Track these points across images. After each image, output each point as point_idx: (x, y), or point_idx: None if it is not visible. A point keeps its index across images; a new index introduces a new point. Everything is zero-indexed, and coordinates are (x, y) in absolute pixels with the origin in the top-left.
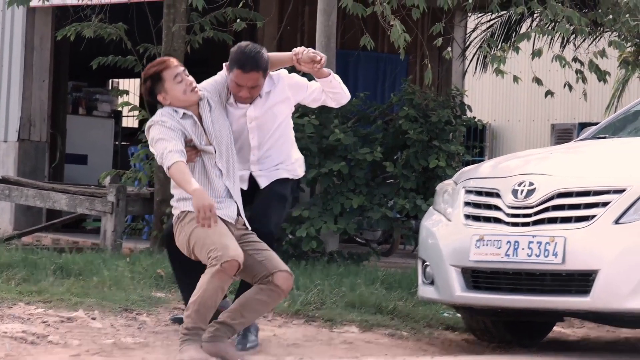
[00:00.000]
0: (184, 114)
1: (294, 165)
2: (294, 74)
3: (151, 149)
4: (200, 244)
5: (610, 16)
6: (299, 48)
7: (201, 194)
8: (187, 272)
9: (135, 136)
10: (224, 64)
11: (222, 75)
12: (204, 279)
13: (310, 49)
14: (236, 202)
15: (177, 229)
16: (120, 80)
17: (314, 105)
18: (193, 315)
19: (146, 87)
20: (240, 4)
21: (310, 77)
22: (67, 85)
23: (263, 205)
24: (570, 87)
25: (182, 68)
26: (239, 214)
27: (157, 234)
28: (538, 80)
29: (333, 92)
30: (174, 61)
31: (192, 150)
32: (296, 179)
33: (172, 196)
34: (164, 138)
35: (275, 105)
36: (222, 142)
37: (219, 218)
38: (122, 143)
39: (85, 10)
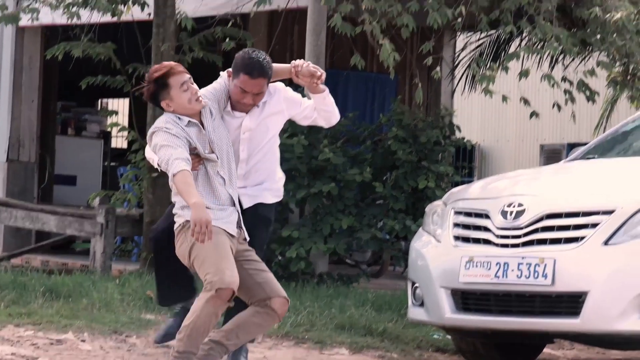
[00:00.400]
0: (189, 121)
1: (278, 184)
2: (289, 88)
3: (150, 155)
4: (200, 261)
5: (599, 36)
6: (298, 60)
7: (200, 208)
8: (170, 274)
9: (125, 157)
10: (224, 71)
11: (221, 82)
12: (198, 303)
13: (310, 62)
14: (238, 212)
15: (179, 238)
16: (110, 101)
17: (304, 123)
18: (185, 340)
19: (149, 91)
20: (230, 24)
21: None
22: (56, 105)
23: (248, 228)
24: (559, 107)
25: (188, 76)
26: (239, 225)
27: (147, 256)
28: (525, 101)
29: (325, 110)
30: (180, 67)
31: (196, 158)
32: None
33: (162, 214)
34: (169, 145)
35: (269, 117)
36: (222, 149)
37: (225, 232)
38: (111, 164)
39: (75, 29)
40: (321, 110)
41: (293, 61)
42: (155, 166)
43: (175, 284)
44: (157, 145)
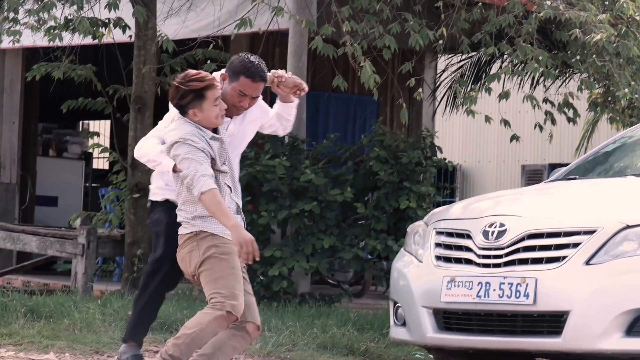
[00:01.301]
0: (213, 136)
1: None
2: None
3: (153, 158)
4: (213, 277)
5: (578, 57)
6: (280, 71)
7: (241, 229)
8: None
9: (106, 178)
10: (219, 74)
11: None
12: (205, 317)
13: (293, 75)
14: (243, 219)
15: (187, 245)
16: (91, 122)
17: (266, 132)
18: (183, 347)
19: (181, 96)
20: (211, 46)
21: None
22: (37, 126)
23: None
24: (541, 128)
25: (221, 91)
26: None
27: (128, 276)
28: (506, 122)
29: (288, 119)
30: (217, 82)
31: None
32: None
33: (143, 238)
34: (195, 159)
35: (248, 124)
36: (229, 159)
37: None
38: (93, 185)
39: (56, 51)
40: (284, 119)
41: (274, 70)
42: (157, 169)
43: (150, 320)
44: (180, 156)
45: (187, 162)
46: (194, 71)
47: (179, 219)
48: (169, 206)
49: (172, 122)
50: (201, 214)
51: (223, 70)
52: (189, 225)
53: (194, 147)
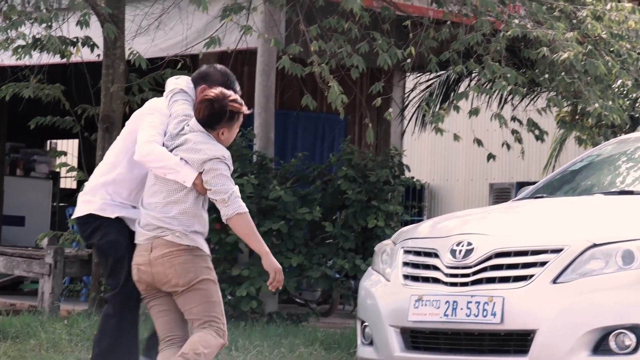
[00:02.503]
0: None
1: None
2: None
3: (157, 157)
4: (211, 301)
5: (547, 75)
6: None
7: (272, 256)
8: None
9: (74, 197)
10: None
11: (166, 104)
12: (213, 341)
13: None
14: None
15: (180, 256)
16: (59, 141)
17: None
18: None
19: (217, 112)
20: (179, 65)
21: None
22: (5, 146)
23: None
24: (509, 147)
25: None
26: None
27: (95, 296)
28: (479, 142)
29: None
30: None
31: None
32: None
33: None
34: (230, 179)
35: None
36: None
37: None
38: (60, 204)
39: (24, 70)
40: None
41: None
42: (171, 176)
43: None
44: (218, 172)
45: (224, 179)
46: (230, 92)
47: (172, 227)
48: (122, 225)
49: (182, 123)
50: (198, 230)
51: (186, 83)
52: (185, 238)
53: (229, 168)
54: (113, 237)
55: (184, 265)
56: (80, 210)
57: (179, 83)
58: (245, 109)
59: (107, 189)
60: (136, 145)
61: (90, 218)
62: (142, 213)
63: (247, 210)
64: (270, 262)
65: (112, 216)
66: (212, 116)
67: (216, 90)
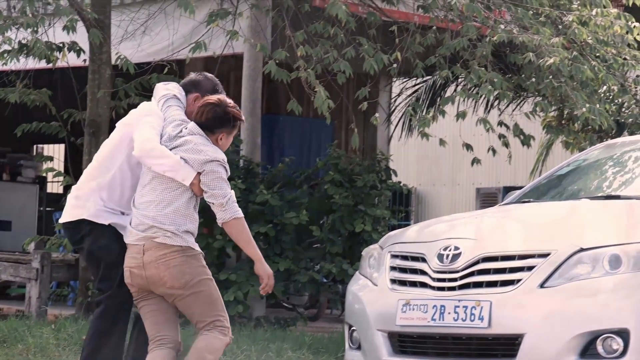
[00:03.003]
0: None
1: None
2: None
3: (179, 172)
4: (212, 300)
5: (533, 79)
6: None
7: (265, 262)
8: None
9: (60, 202)
10: (175, 94)
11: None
12: (218, 343)
13: None
14: None
15: (175, 257)
16: (45, 146)
17: None
18: None
19: (220, 116)
20: (165, 70)
21: None
22: None
23: None
24: (495, 152)
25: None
26: None
27: (83, 300)
28: (468, 146)
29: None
30: None
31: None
32: None
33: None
34: (227, 182)
35: None
36: None
37: None
38: (47, 209)
39: (10, 75)
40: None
41: None
42: (170, 174)
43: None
44: (217, 175)
45: (223, 183)
46: (229, 100)
47: (163, 226)
48: (113, 231)
49: (180, 126)
50: (190, 229)
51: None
52: (178, 238)
53: (226, 172)
54: (105, 242)
55: (179, 267)
56: (70, 215)
57: (170, 89)
58: (243, 117)
59: (100, 194)
60: (135, 142)
61: (82, 223)
62: (134, 213)
63: (242, 215)
64: (264, 268)
65: (106, 223)
66: (215, 119)
67: (217, 96)
